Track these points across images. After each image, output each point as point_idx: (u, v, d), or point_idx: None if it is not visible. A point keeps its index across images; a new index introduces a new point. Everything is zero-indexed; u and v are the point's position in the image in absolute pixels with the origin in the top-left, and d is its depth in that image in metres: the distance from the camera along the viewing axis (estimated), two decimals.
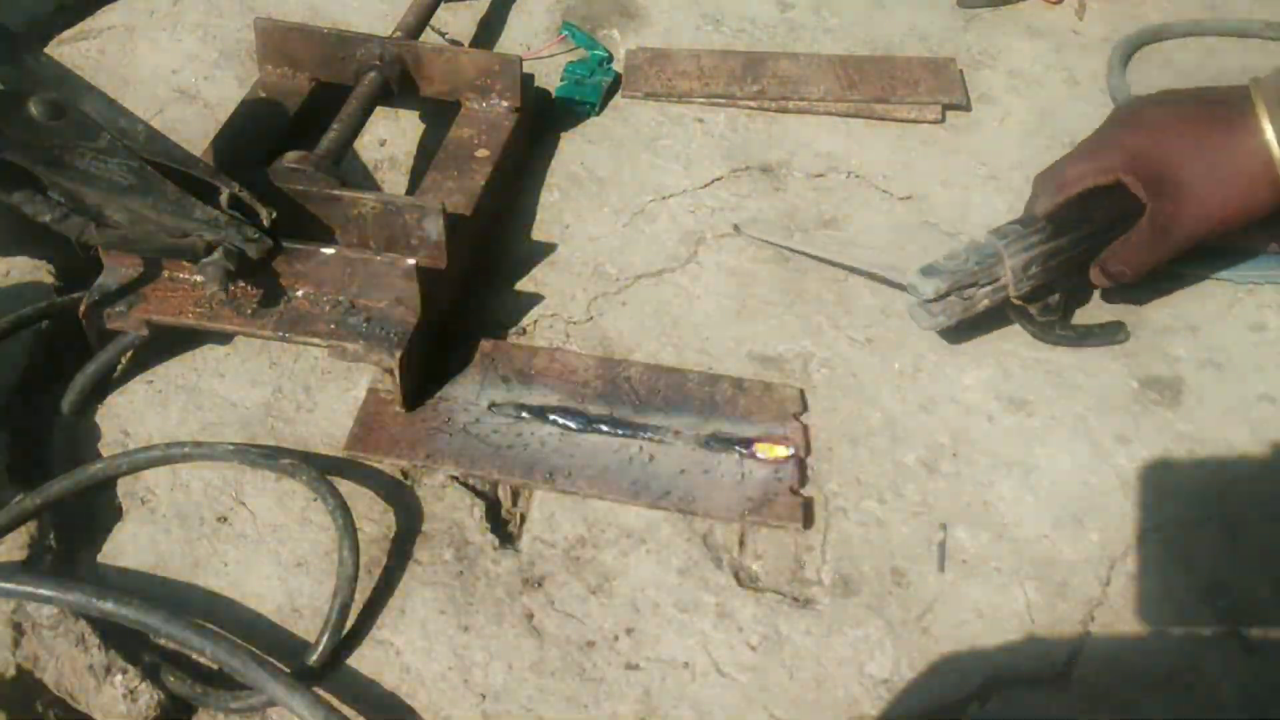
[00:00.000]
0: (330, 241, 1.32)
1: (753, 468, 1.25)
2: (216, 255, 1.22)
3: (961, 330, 1.39)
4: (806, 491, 1.25)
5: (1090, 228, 1.37)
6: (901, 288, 1.39)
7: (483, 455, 1.26)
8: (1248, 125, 1.18)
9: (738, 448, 1.27)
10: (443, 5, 1.80)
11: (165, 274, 1.30)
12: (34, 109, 1.05)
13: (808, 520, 1.22)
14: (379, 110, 1.65)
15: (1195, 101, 1.26)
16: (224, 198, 1.21)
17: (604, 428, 1.29)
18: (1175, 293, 1.49)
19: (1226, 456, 1.31)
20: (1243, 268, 1.49)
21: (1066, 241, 1.34)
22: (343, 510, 1.15)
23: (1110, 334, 1.42)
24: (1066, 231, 1.35)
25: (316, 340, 1.27)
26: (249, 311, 1.29)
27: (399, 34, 1.63)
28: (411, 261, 1.25)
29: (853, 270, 1.47)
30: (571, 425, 1.29)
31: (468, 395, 1.32)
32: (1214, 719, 1.09)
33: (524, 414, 1.30)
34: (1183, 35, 1.92)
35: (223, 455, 1.21)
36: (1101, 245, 1.36)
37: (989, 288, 1.33)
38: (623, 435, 1.28)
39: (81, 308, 1.27)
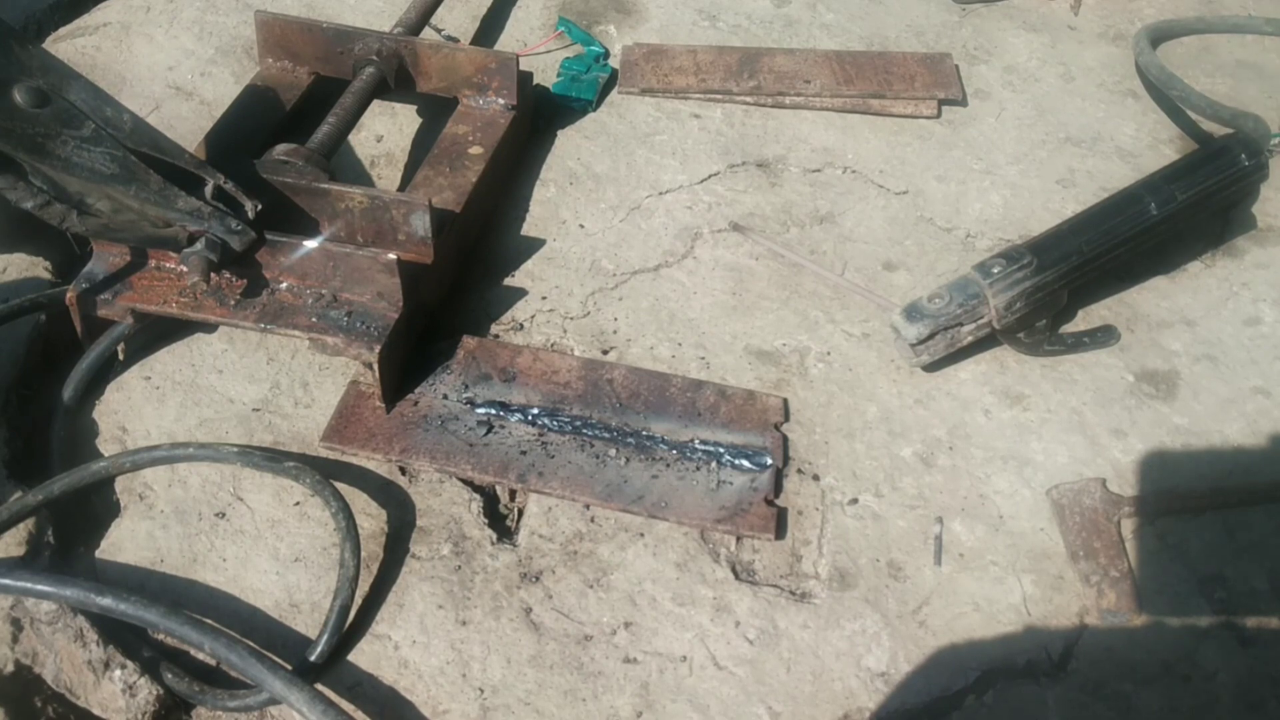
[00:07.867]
0: (314, 235, 1.32)
1: (729, 476, 1.24)
2: (199, 246, 1.22)
3: None
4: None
5: (1078, 260, 1.35)
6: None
7: (457, 452, 1.25)
8: None
9: (715, 455, 1.26)
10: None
11: (152, 263, 1.30)
12: (18, 96, 1.05)
13: (780, 532, 1.21)
14: (378, 107, 1.65)
15: None
16: (208, 189, 1.21)
17: (582, 430, 1.28)
18: (1171, 287, 1.50)
19: (1222, 449, 1.31)
20: None
21: (1052, 276, 1.32)
22: (345, 514, 1.15)
23: (1101, 339, 1.41)
24: (1052, 266, 1.32)
25: (297, 333, 1.27)
26: (232, 302, 1.29)
27: (399, 30, 1.63)
28: (392, 256, 1.24)
29: (847, 286, 1.47)
30: (549, 426, 1.28)
31: (448, 391, 1.31)
32: (1210, 710, 1.10)
33: (502, 412, 1.29)
34: (1209, 32, 1.91)
35: (227, 457, 1.21)
36: (1088, 277, 1.33)
37: (973, 325, 1.33)
38: (600, 438, 1.27)
39: (69, 294, 1.27)
